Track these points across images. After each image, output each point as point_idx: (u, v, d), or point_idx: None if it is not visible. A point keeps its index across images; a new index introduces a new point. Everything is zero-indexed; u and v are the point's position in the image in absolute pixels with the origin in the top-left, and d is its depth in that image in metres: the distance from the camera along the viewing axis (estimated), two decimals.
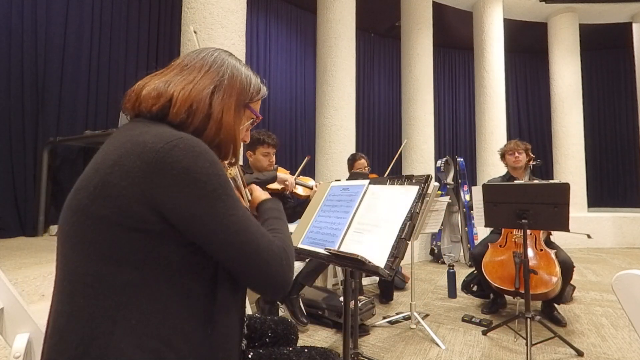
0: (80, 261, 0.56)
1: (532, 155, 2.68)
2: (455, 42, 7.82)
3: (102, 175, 0.57)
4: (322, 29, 4.54)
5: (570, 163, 6.15)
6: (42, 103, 3.34)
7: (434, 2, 5.70)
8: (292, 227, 1.25)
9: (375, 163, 6.44)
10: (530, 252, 2.28)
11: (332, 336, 2.18)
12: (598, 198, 7.51)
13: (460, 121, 8.33)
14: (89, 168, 0.60)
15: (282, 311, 2.37)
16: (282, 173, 2.22)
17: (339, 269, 3.02)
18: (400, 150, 3.25)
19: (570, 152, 6.17)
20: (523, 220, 1.91)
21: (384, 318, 2.41)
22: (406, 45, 5.51)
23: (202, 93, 0.68)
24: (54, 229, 3.30)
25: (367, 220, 1.07)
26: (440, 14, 6.31)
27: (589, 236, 2.34)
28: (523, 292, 1.96)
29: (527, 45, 7.79)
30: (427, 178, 1.06)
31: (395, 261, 0.91)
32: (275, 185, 2.10)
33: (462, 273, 3.09)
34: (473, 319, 2.38)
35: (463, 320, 2.41)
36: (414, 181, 1.08)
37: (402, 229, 0.96)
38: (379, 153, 7.47)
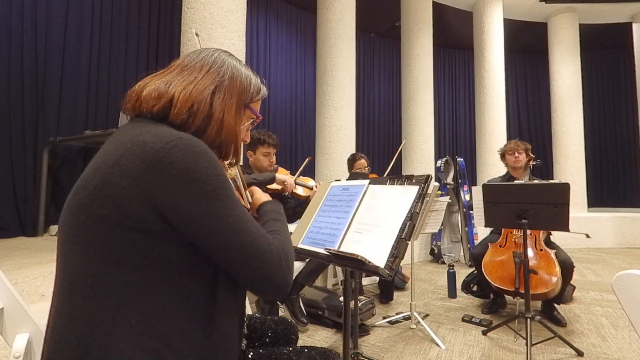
0: (80, 261, 0.56)
1: (532, 155, 2.68)
2: (455, 42, 7.83)
3: (102, 175, 0.57)
4: (322, 29, 4.54)
5: (570, 163, 6.16)
6: (42, 103, 3.34)
7: (434, 2, 5.70)
8: (292, 227, 1.25)
9: (375, 163, 6.44)
10: (530, 252, 2.28)
11: (332, 336, 2.18)
12: (598, 198, 7.52)
13: (460, 121, 8.33)
14: (89, 168, 0.60)
15: (282, 311, 2.37)
16: (282, 174, 2.23)
17: (339, 269, 3.02)
18: (399, 150, 3.24)
19: (570, 152, 6.17)
20: (523, 220, 1.91)
21: (384, 318, 2.41)
22: (406, 45, 5.51)
23: (202, 93, 0.68)
24: (54, 229, 3.30)
25: (367, 220, 1.07)
26: (440, 14, 6.31)
27: (587, 236, 2.34)
28: (523, 292, 1.96)
29: (527, 45, 7.79)
30: (427, 178, 1.06)
31: (395, 261, 0.91)
32: (274, 186, 2.10)
33: (462, 273, 3.09)
34: (473, 319, 2.38)
35: (463, 320, 2.41)
36: (414, 181, 1.08)
37: (402, 229, 0.96)
38: (379, 153, 7.48)
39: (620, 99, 7.90)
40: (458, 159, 4.40)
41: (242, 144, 0.78)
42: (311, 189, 2.24)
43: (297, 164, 5.77)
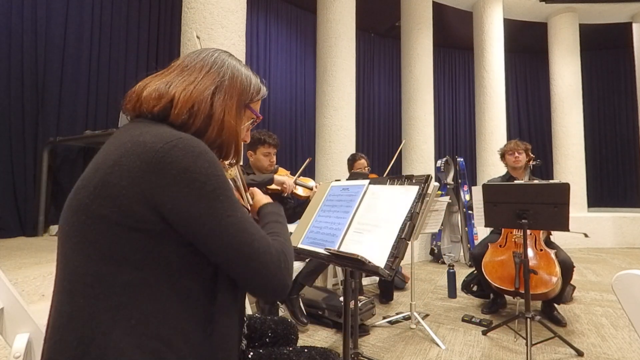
0: (80, 261, 0.56)
1: (532, 155, 2.68)
2: (455, 42, 7.82)
3: (102, 175, 0.57)
4: (322, 29, 4.54)
5: (570, 163, 6.16)
6: (42, 103, 3.34)
7: (434, 2, 5.70)
8: (292, 227, 1.25)
9: (375, 163, 6.44)
10: (530, 252, 2.28)
11: (332, 336, 2.18)
12: (598, 198, 7.52)
13: (460, 121, 8.33)
14: (90, 168, 0.61)
15: (282, 311, 2.37)
16: (280, 175, 2.23)
17: (339, 269, 3.02)
18: (399, 150, 3.24)
19: (570, 152, 6.17)
20: (523, 220, 1.91)
21: (384, 318, 2.41)
22: (406, 45, 5.51)
23: (203, 94, 0.68)
24: (54, 229, 3.30)
25: (367, 220, 1.07)
26: (440, 14, 6.31)
27: (585, 235, 2.34)
28: (523, 292, 1.96)
29: (527, 45, 7.79)
30: (427, 178, 1.06)
31: (395, 261, 0.91)
32: (273, 187, 2.10)
33: (462, 273, 3.09)
34: (473, 319, 2.38)
35: (463, 320, 2.41)
36: (414, 181, 1.08)
37: (402, 229, 0.96)
38: (379, 153, 7.48)
39: (620, 99, 7.90)
40: (458, 159, 4.40)
41: (242, 144, 0.78)
42: (311, 189, 2.24)
43: (297, 164, 5.77)
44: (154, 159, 0.55)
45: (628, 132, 7.59)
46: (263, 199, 0.89)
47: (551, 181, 2.03)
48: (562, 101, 6.31)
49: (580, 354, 1.89)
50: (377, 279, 3.12)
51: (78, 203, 0.58)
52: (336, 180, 1.41)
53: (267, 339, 0.96)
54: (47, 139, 3.31)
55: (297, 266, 2.33)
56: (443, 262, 4.23)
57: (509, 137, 5.67)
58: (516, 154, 2.67)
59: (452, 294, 2.95)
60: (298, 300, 2.30)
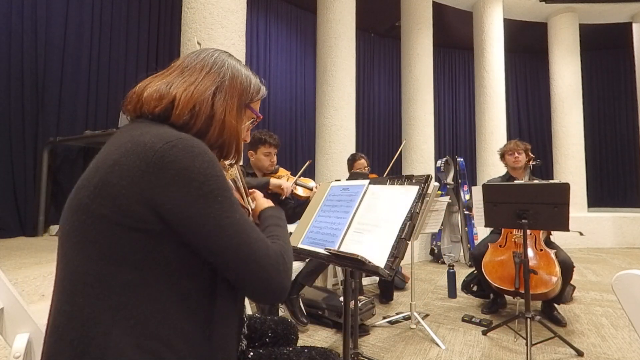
0: (80, 260, 0.56)
1: (531, 155, 2.68)
2: (455, 42, 7.82)
3: (103, 175, 0.57)
4: (322, 29, 4.54)
5: (570, 163, 6.15)
6: (42, 103, 3.34)
7: (434, 2, 5.70)
8: (291, 227, 1.25)
9: (375, 163, 6.44)
10: (530, 252, 2.28)
11: (332, 336, 2.18)
12: (598, 198, 7.51)
13: (460, 121, 8.33)
14: (90, 167, 0.61)
15: (282, 311, 2.37)
16: (281, 175, 2.23)
17: (339, 269, 3.02)
18: (399, 151, 3.24)
19: (570, 152, 6.17)
20: (523, 220, 1.91)
21: (384, 318, 2.41)
22: (406, 45, 5.51)
23: (204, 94, 0.68)
24: (54, 229, 3.30)
25: (367, 220, 1.07)
26: (440, 14, 6.31)
27: (580, 233, 2.34)
28: (523, 292, 1.96)
29: (527, 45, 7.79)
30: (427, 178, 1.06)
31: (395, 261, 0.91)
32: (274, 182, 2.10)
33: (462, 273, 3.09)
34: (473, 319, 2.38)
35: (463, 320, 2.41)
36: (414, 181, 1.08)
37: (402, 229, 0.96)
38: (379, 153, 7.48)
39: (620, 99, 7.90)
40: (458, 159, 4.40)
41: (243, 143, 0.79)
42: (311, 189, 2.24)
43: (297, 164, 5.77)
44: (154, 159, 0.55)
45: (628, 132, 7.59)
46: (264, 203, 0.89)
47: (551, 181, 2.03)
48: (562, 101, 6.31)
49: (580, 354, 1.89)
50: (377, 279, 3.12)
51: (78, 203, 0.58)
52: (336, 180, 1.41)
53: (267, 339, 0.96)
54: (47, 139, 3.31)
55: (297, 266, 2.33)
56: (443, 262, 4.23)
57: (509, 137, 5.67)
58: (516, 154, 2.67)
59: (452, 294, 2.95)
60: (298, 300, 2.30)
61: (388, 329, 2.30)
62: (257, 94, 0.78)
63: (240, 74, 0.75)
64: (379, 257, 0.93)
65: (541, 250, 2.30)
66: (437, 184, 2.30)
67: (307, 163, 2.44)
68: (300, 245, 1.18)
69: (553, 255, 2.25)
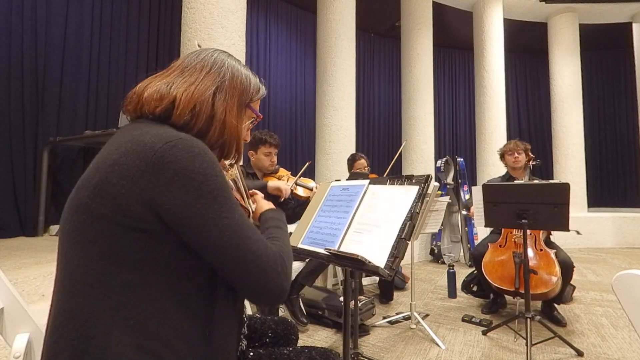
0: (80, 260, 0.56)
1: (531, 155, 2.68)
2: (455, 42, 7.82)
3: (103, 175, 0.57)
4: (322, 29, 4.54)
5: (570, 163, 6.15)
6: (42, 103, 3.34)
7: (434, 2, 5.70)
8: (292, 227, 1.25)
9: (375, 163, 6.44)
10: (530, 252, 2.28)
11: (332, 336, 2.18)
12: (598, 198, 7.51)
13: (460, 121, 8.33)
14: (90, 167, 0.61)
15: (282, 311, 2.37)
16: (278, 178, 2.23)
17: (339, 269, 3.02)
18: (399, 151, 3.24)
19: (570, 152, 6.17)
20: (523, 220, 1.91)
21: (384, 318, 2.41)
22: (406, 45, 5.51)
23: (204, 94, 0.68)
24: (54, 229, 3.30)
25: (367, 220, 1.07)
26: (440, 14, 6.31)
27: (578, 232, 2.33)
28: (523, 292, 1.96)
29: (527, 45, 7.79)
30: (427, 178, 1.06)
31: (395, 261, 0.91)
32: (272, 185, 2.09)
33: (462, 273, 3.09)
34: (473, 319, 2.38)
35: (463, 320, 2.41)
36: (414, 181, 1.08)
37: (402, 229, 0.96)
38: (379, 153, 7.48)
39: (620, 99, 7.90)
40: (458, 159, 4.40)
41: (243, 143, 0.79)
42: (311, 190, 2.24)
43: (297, 164, 5.77)
44: (153, 159, 0.55)
45: (628, 132, 7.59)
46: (265, 205, 0.89)
47: (551, 181, 2.03)
48: (562, 101, 6.31)
49: (580, 354, 1.89)
50: (377, 279, 3.12)
51: (78, 202, 0.58)
52: (336, 180, 1.41)
53: (267, 339, 0.96)
54: (47, 139, 3.31)
55: (297, 266, 2.33)
56: (443, 262, 4.23)
57: (509, 137, 5.67)
58: (516, 154, 2.67)
59: (452, 294, 2.95)
60: (298, 300, 2.30)
61: (388, 329, 2.30)
62: (257, 94, 0.79)
63: (240, 74, 0.75)
64: (379, 257, 0.93)
65: (541, 250, 2.30)
66: (437, 184, 2.30)
67: (307, 164, 2.44)
68: (300, 245, 1.18)
69: (553, 255, 2.25)
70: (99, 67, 3.80)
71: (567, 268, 2.22)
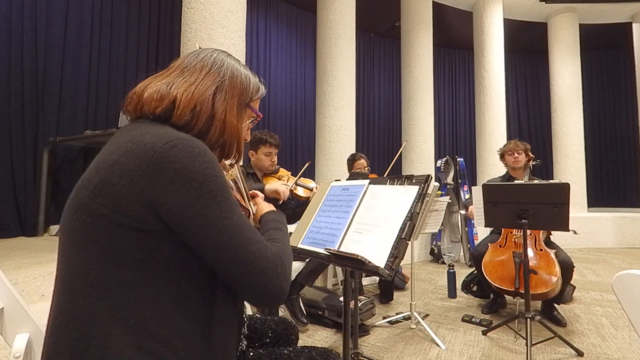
0: (80, 260, 0.56)
1: (531, 155, 2.68)
2: (455, 42, 7.82)
3: (103, 174, 0.57)
4: (322, 29, 4.54)
5: (570, 163, 6.15)
6: (42, 103, 3.34)
7: (434, 2, 5.70)
8: (291, 228, 1.25)
9: (375, 163, 6.44)
10: (530, 252, 2.28)
11: (332, 336, 2.18)
12: (598, 198, 7.51)
13: (460, 121, 8.33)
14: (91, 167, 0.61)
15: (282, 311, 2.37)
16: (278, 178, 2.23)
17: (339, 269, 3.02)
18: (400, 152, 3.24)
19: (570, 152, 6.17)
20: (523, 220, 1.91)
21: (384, 318, 2.41)
22: (406, 45, 5.51)
23: (204, 94, 0.68)
24: (54, 229, 3.30)
25: (367, 220, 1.07)
26: (440, 14, 6.31)
27: (574, 232, 2.33)
28: (523, 292, 1.96)
29: (527, 45, 7.79)
30: (427, 178, 1.06)
31: (395, 261, 0.91)
32: (270, 188, 2.08)
33: (462, 273, 3.09)
34: (473, 319, 2.38)
35: (463, 320, 2.41)
36: (414, 181, 1.08)
37: (402, 229, 0.96)
38: (379, 153, 7.48)
39: (620, 99, 7.90)
40: (458, 159, 4.40)
41: (243, 142, 0.79)
42: (311, 190, 2.24)
43: (297, 164, 5.77)
44: (153, 159, 0.55)
45: (628, 132, 7.59)
46: (265, 207, 0.89)
47: (551, 181, 2.03)
48: (562, 101, 6.31)
49: (580, 354, 1.89)
50: (377, 279, 3.12)
51: (78, 202, 0.58)
52: (336, 180, 1.41)
53: (268, 339, 0.96)
54: (47, 139, 3.31)
55: (297, 266, 2.33)
56: (443, 262, 4.23)
57: (509, 137, 5.67)
58: (515, 155, 2.67)
59: (452, 294, 2.95)
60: (298, 300, 2.30)
61: (388, 329, 2.30)
62: (256, 93, 0.79)
63: (240, 74, 0.75)
64: (379, 257, 0.93)
65: (541, 250, 2.30)
66: (437, 184, 2.30)
67: (306, 165, 2.44)
68: (300, 245, 1.18)
69: (553, 255, 2.25)
70: (99, 67, 3.80)
71: (567, 268, 2.22)
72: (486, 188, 2.07)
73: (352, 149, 4.37)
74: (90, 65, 3.72)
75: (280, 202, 2.07)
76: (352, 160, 3.26)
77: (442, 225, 2.99)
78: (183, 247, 0.58)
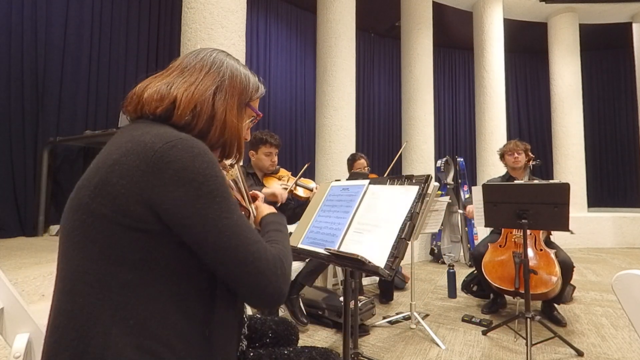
0: (80, 260, 0.56)
1: (531, 155, 2.68)
2: (455, 42, 7.82)
3: (103, 174, 0.57)
4: (322, 29, 4.54)
5: (570, 163, 6.15)
6: (42, 103, 3.34)
7: (434, 2, 5.70)
8: (291, 228, 1.25)
9: (375, 163, 6.45)
10: (530, 252, 2.28)
11: (332, 336, 2.18)
12: (598, 198, 7.51)
13: (460, 121, 8.33)
14: (91, 167, 0.61)
15: (282, 311, 2.37)
16: (278, 178, 2.23)
17: (339, 269, 3.02)
18: (400, 152, 3.25)
19: (570, 152, 6.17)
20: (523, 220, 1.91)
21: (384, 318, 2.41)
22: (406, 45, 5.51)
23: (205, 94, 0.68)
24: (54, 229, 3.30)
25: (367, 220, 1.07)
26: (440, 14, 6.31)
27: (571, 232, 2.33)
28: (523, 292, 1.96)
29: (527, 45, 7.79)
30: (427, 178, 1.06)
31: (395, 261, 0.91)
32: (267, 192, 2.08)
33: (462, 273, 3.09)
34: (473, 319, 2.38)
35: (463, 320, 2.41)
36: (414, 181, 1.08)
37: (402, 229, 0.96)
38: (379, 153, 7.48)
39: (620, 99, 7.90)
40: (458, 159, 4.40)
41: (244, 142, 0.79)
42: (311, 190, 2.24)
43: (297, 164, 5.77)
44: (153, 159, 0.55)
45: (628, 132, 7.59)
46: (265, 209, 0.89)
47: (551, 181, 2.03)
48: (562, 101, 6.31)
49: (580, 354, 1.89)
50: (377, 279, 3.12)
51: (79, 202, 0.58)
52: (336, 180, 1.41)
53: (268, 340, 0.96)
54: (47, 139, 3.31)
55: (297, 266, 2.33)
56: (443, 262, 4.23)
57: (509, 137, 5.67)
58: (515, 155, 2.67)
59: (452, 294, 2.95)
60: (298, 300, 2.30)
61: (388, 329, 2.30)
62: (256, 92, 0.79)
63: (240, 73, 0.75)
64: (379, 257, 0.93)
65: (541, 250, 2.30)
66: (437, 184, 2.30)
67: (306, 165, 2.44)
68: (300, 245, 1.18)
69: (553, 255, 2.25)
70: (99, 67, 3.80)
71: (567, 268, 2.22)
72: (486, 188, 2.07)
73: (352, 149, 4.37)
74: (90, 65, 3.72)
75: (279, 204, 2.07)
76: (352, 160, 3.26)
77: (442, 225, 2.99)
78: (183, 247, 0.58)
